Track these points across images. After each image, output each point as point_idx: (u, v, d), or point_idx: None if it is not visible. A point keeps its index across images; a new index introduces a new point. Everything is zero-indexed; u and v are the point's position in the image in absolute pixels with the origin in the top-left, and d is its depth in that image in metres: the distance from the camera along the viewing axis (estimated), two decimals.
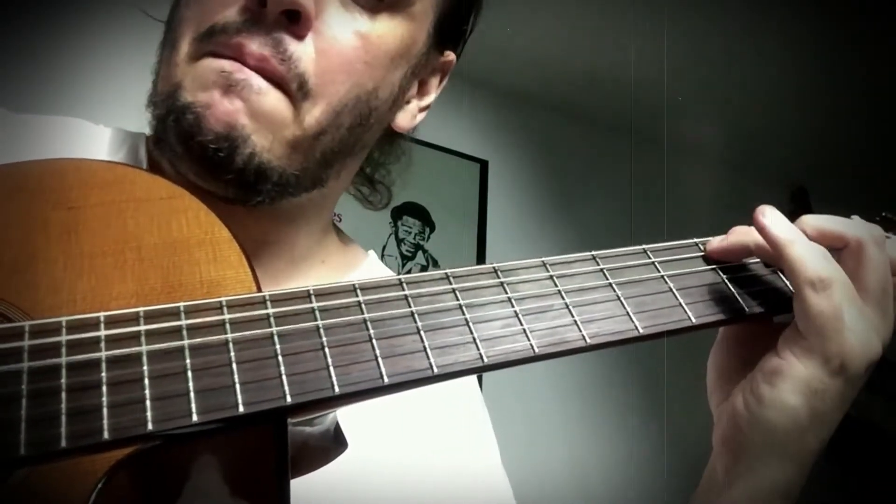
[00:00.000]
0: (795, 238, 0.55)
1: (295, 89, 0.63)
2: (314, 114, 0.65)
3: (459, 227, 2.72)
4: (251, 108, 0.62)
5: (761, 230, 0.56)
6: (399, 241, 2.59)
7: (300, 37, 0.63)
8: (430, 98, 0.79)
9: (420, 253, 2.62)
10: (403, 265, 2.57)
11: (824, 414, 0.53)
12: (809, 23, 2.52)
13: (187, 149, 0.62)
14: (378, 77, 0.68)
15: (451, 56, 0.78)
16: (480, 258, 2.70)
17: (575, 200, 3.01)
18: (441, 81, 0.80)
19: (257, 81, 0.62)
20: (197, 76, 0.62)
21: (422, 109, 0.79)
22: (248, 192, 0.64)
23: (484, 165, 2.86)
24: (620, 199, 3.08)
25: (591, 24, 2.64)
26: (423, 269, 2.61)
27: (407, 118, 0.77)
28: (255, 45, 0.62)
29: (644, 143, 3.21)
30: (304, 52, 0.63)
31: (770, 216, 0.56)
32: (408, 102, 0.76)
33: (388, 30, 0.67)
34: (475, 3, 0.79)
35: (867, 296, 0.55)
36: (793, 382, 0.53)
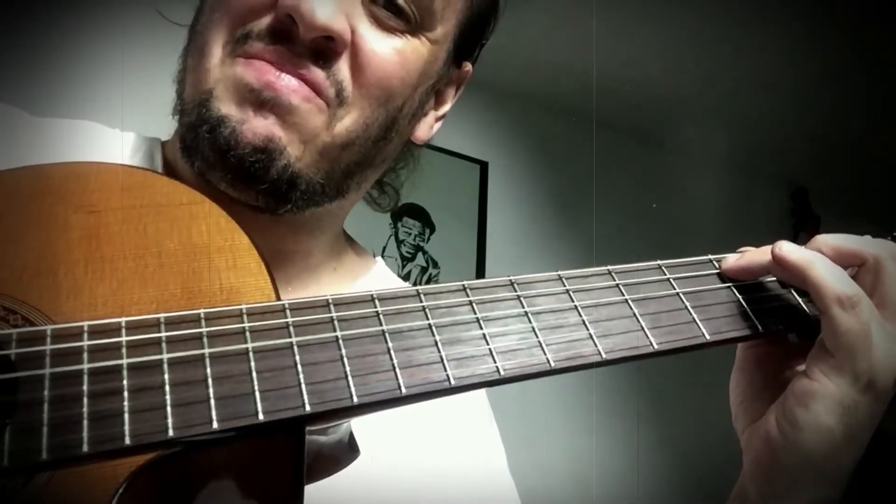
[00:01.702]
0: (814, 259, 0.55)
1: (333, 95, 0.64)
2: (345, 123, 0.66)
3: (459, 229, 2.72)
4: (283, 120, 0.63)
5: (780, 261, 0.56)
6: (399, 243, 2.59)
7: (337, 54, 0.64)
8: (445, 107, 0.80)
9: (420, 254, 2.62)
10: (403, 266, 2.57)
11: (857, 431, 0.54)
12: (810, 24, 2.53)
13: (222, 159, 0.62)
14: (406, 94, 0.69)
15: (468, 67, 0.79)
16: (480, 260, 2.70)
17: (575, 202, 3.01)
18: (457, 91, 0.81)
19: (286, 97, 0.62)
20: (229, 86, 0.63)
21: (438, 119, 0.80)
22: (278, 201, 0.65)
23: (484, 167, 2.86)
24: (620, 200, 3.09)
25: (591, 26, 2.64)
26: (423, 270, 2.61)
27: (425, 129, 0.78)
28: (289, 58, 0.63)
29: (644, 143, 3.22)
30: (343, 63, 0.65)
31: (784, 247, 0.57)
32: (425, 115, 0.77)
33: (414, 49, 0.69)
34: (493, 18, 0.80)
35: (887, 311, 0.55)
36: (826, 403, 0.53)
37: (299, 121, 0.63)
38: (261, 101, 0.62)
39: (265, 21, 0.63)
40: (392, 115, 0.69)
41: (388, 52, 0.66)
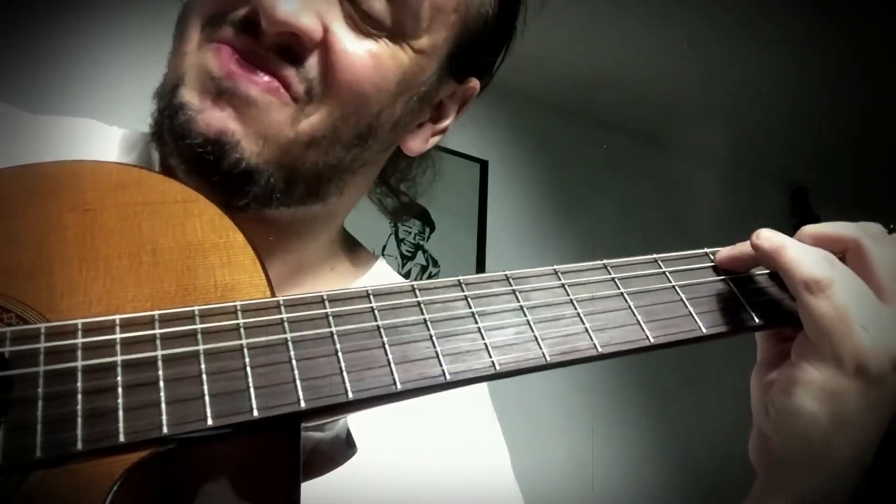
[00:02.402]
0: (785, 243, 0.55)
1: (302, 91, 0.63)
2: (311, 121, 0.64)
3: (459, 228, 2.72)
4: (240, 113, 0.62)
5: (756, 249, 0.56)
6: (399, 241, 2.59)
7: (305, 50, 0.63)
8: (446, 122, 0.78)
9: (420, 253, 2.62)
10: (403, 265, 2.57)
11: (848, 417, 0.52)
12: (810, 24, 2.53)
13: (177, 147, 0.62)
14: (384, 101, 0.67)
15: (473, 83, 0.77)
16: (480, 258, 2.70)
17: (574, 200, 3.02)
18: (462, 107, 0.79)
19: (245, 89, 0.62)
20: (197, 73, 0.63)
21: (436, 133, 0.78)
22: (234, 194, 0.64)
23: (484, 165, 2.86)
24: (620, 199, 3.10)
25: (591, 25, 2.64)
26: (423, 269, 2.61)
27: (418, 142, 0.76)
28: (255, 51, 0.62)
29: (644, 143, 3.22)
30: (313, 61, 0.64)
31: (762, 234, 0.56)
32: (420, 126, 0.76)
33: (392, 55, 0.66)
34: (506, 39, 0.79)
35: (884, 293, 0.54)
36: (807, 388, 0.52)
37: (257, 114, 0.62)
38: (219, 90, 0.61)
39: (241, 12, 0.63)
40: (367, 121, 0.67)
41: (362, 54, 0.64)
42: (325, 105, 0.64)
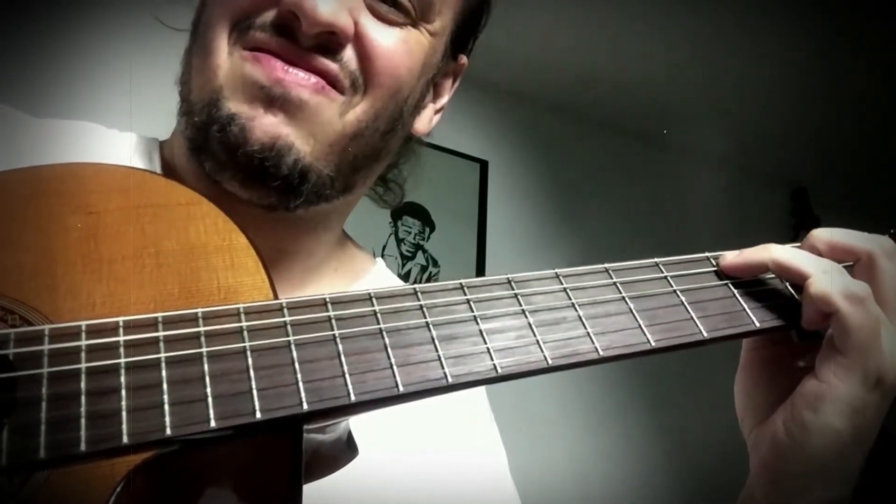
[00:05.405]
0: (813, 276, 0.54)
1: (348, 85, 0.66)
2: (356, 112, 0.67)
3: (459, 227, 2.72)
4: (292, 116, 0.63)
5: (780, 270, 0.56)
6: (399, 241, 2.59)
7: (340, 46, 0.65)
8: (443, 100, 0.81)
9: (420, 253, 2.62)
10: (403, 265, 2.57)
11: (865, 430, 0.53)
12: (810, 24, 2.53)
13: (232, 158, 0.63)
14: (412, 84, 0.70)
15: (463, 59, 0.80)
16: (480, 258, 2.70)
17: (574, 200, 3.02)
18: (454, 83, 0.82)
19: (296, 93, 0.63)
20: (238, 85, 0.63)
21: (436, 112, 0.80)
22: (290, 196, 0.66)
23: (484, 165, 2.86)
24: (620, 199, 3.10)
25: (591, 25, 2.64)
26: (423, 268, 2.61)
27: (424, 122, 0.78)
28: (296, 52, 0.64)
29: (644, 143, 3.22)
30: (351, 55, 0.66)
31: (778, 254, 0.56)
32: (424, 107, 0.78)
33: (417, 40, 0.70)
34: (486, 11, 0.81)
35: (887, 308, 0.54)
36: (836, 405, 0.52)
37: (309, 115, 0.64)
38: (271, 97, 0.63)
39: (269, 16, 0.64)
40: (399, 107, 0.70)
41: (394, 42, 0.67)
42: (369, 95, 0.67)
